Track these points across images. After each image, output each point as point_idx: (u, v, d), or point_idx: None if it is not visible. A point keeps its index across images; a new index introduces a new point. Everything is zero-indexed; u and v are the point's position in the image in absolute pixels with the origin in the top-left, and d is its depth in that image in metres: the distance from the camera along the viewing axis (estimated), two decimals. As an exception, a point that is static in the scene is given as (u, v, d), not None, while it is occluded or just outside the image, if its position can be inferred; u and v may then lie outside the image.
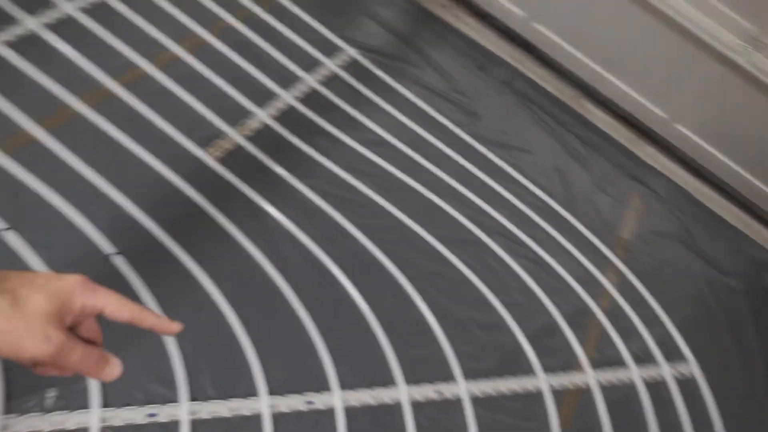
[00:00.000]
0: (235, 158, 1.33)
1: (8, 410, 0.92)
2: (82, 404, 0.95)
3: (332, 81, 1.60)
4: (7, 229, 1.08)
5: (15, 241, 1.07)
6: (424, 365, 1.19)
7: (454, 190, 1.50)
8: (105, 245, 1.11)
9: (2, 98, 1.22)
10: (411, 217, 1.40)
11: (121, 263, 1.10)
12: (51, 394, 0.95)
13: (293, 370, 1.09)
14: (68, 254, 1.09)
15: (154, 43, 1.45)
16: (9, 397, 0.92)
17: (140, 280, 1.09)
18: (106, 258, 1.10)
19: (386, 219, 1.38)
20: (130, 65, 1.39)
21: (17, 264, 1.05)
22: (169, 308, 1.08)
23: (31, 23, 1.33)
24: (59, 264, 1.07)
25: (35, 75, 1.28)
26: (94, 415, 0.94)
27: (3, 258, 1.05)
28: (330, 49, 1.66)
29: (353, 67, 1.66)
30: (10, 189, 1.13)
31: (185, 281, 1.13)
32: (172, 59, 1.43)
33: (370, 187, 1.41)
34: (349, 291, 1.23)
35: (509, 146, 1.70)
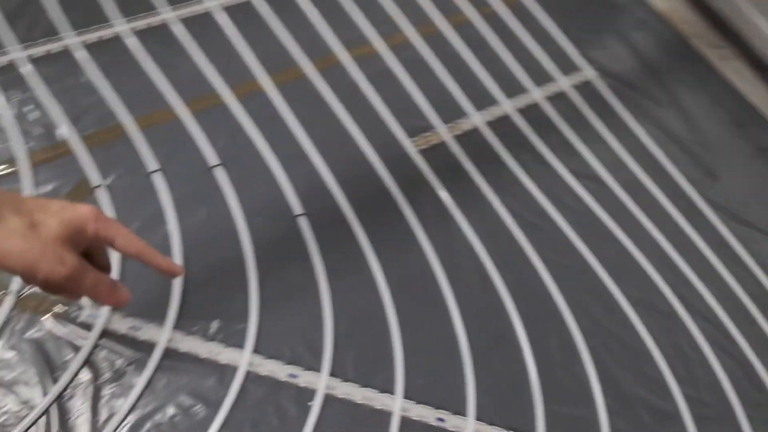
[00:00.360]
0: (438, 155, 1.45)
1: (177, 326, 1.12)
2: (237, 343, 1.13)
3: (559, 99, 1.65)
4: (219, 165, 1.30)
5: (222, 176, 1.30)
6: (572, 428, 1.21)
7: (662, 251, 1.48)
8: (294, 204, 1.30)
9: (246, 46, 1.47)
10: (604, 265, 1.41)
11: (303, 225, 1.28)
12: (214, 325, 1.15)
13: (434, 383, 1.18)
14: (261, 202, 1.29)
15: (391, 22, 1.63)
16: (180, 316, 1.14)
17: (316, 245, 1.26)
18: (293, 218, 1.28)
19: (575, 260, 1.41)
20: (363, 40, 1.58)
21: (218, 198, 1.27)
22: (335, 280, 1.23)
23: (288, -19, 1.59)
24: (250, 209, 1.27)
25: (278, 30, 1.51)
26: (245, 357, 1.12)
27: (208, 190, 1.28)
28: (567, 66, 1.72)
29: (586, 88, 1.70)
30: (230, 130, 1.37)
31: (357, 260, 1.27)
32: (404, 42, 1.60)
33: (568, 222, 1.45)
34: (513, 323, 1.29)
35: (747, 222, 1.61)
